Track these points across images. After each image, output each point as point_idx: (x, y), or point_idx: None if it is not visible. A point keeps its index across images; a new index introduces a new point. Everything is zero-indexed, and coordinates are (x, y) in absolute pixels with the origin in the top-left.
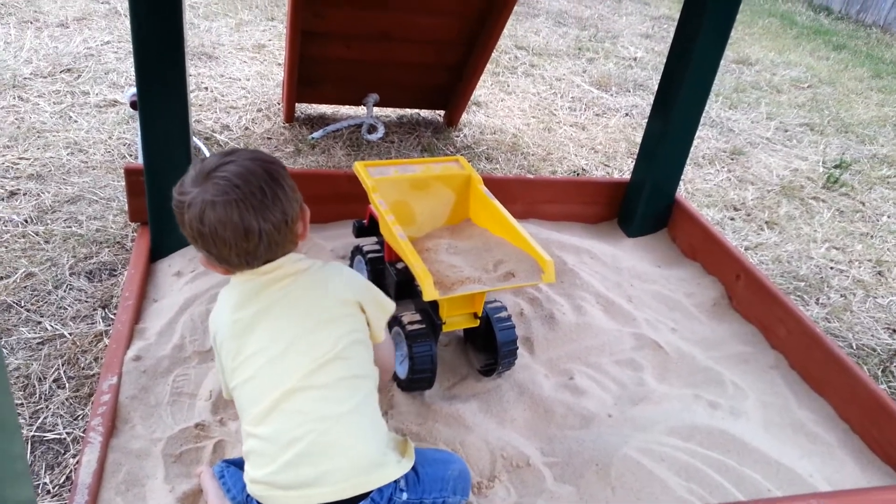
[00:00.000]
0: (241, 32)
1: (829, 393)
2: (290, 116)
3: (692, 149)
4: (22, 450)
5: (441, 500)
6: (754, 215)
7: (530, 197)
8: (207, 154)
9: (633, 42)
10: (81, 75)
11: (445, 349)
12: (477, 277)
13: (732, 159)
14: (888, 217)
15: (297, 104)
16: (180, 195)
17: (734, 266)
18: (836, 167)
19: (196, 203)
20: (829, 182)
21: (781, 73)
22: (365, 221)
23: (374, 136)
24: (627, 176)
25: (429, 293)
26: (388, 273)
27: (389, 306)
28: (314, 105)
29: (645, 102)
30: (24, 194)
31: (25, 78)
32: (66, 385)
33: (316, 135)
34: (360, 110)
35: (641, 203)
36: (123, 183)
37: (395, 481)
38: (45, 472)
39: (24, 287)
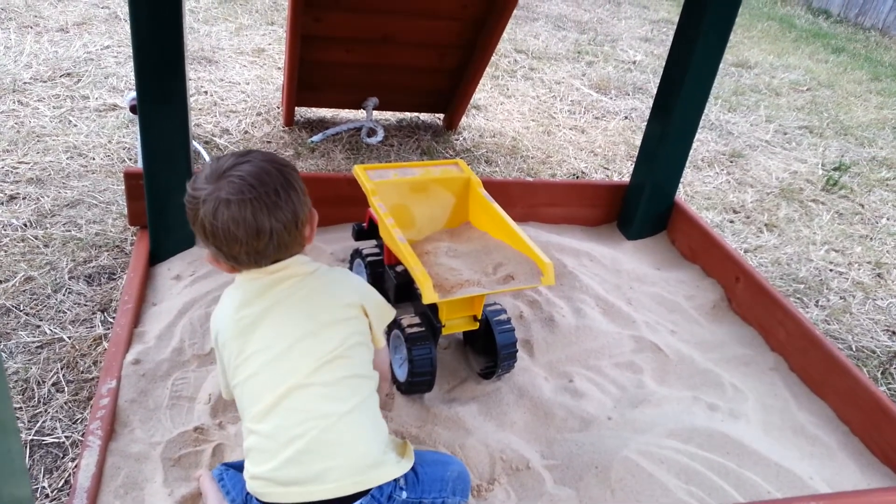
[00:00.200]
0: (241, 36)
1: (829, 395)
2: (289, 120)
3: (691, 151)
4: (19, 447)
5: (440, 501)
6: (754, 218)
7: (530, 200)
8: (207, 158)
9: (633, 45)
10: (81, 80)
11: (445, 352)
12: (476, 280)
13: (732, 162)
14: (887, 219)
15: (296, 108)
16: (194, 192)
17: (734, 268)
18: (835, 170)
19: (210, 200)
20: (829, 184)
21: (780, 76)
22: (364, 225)
23: (373, 140)
24: (627, 179)
25: (428, 296)
26: (388, 276)
27: (390, 312)
28: (314, 109)
29: (644, 105)
30: (24, 198)
31: (25, 82)
32: (65, 389)
33: (315, 138)
34: (360, 114)
35: (641, 206)
36: (123, 187)
37: (395, 480)
38: (43, 476)
39: (24, 291)
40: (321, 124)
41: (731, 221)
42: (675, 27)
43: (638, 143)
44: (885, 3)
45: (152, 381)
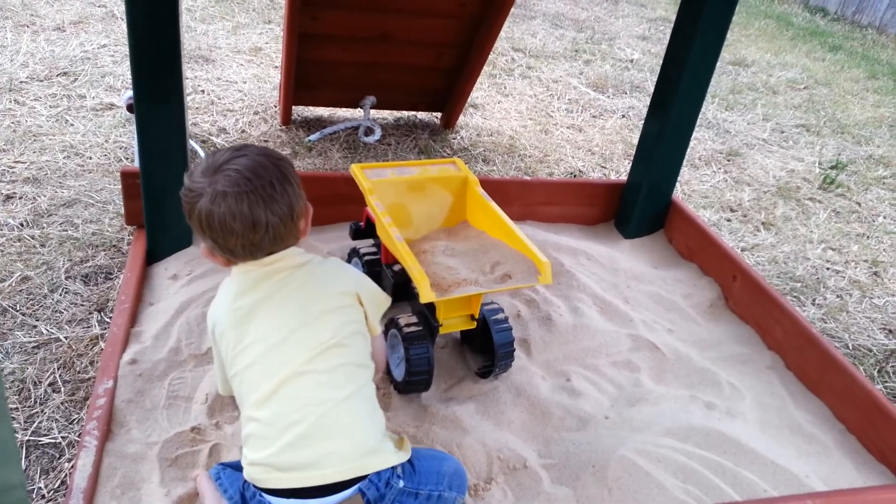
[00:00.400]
0: (238, 35)
1: (826, 393)
2: (286, 119)
3: (689, 150)
4: (11, 433)
5: (437, 494)
6: (751, 216)
7: (527, 199)
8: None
9: (630, 44)
10: (78, 79)
11: (442, 351)
12: (474, 279)
13: (729, 160)
14: (884, 217)
15: (293, 107)
16: (190, 185)
17: (731, 267)
18: (832, 168)
19: (207, 193)
20: (826, 183)
21: (777, 74)
22: (362, 224)
23: (370, 139)
24: (624, 177)
25: (426, 295)
26: (385, 275)
27: (386, 301)
28: (311, 107)
29: (641, 104)
30: (20, 198)
31: (21, 81)
32: (62, 389)
33: (313, 137)
34: (357, 113)
35: (638, 204)
36: (120, 186)
37: (393, 468)
38: (39, 477)
39: (20, 291)
40: (318, 123)
41: (728, 220)
42: (672, 25)
43: (635, 141)
44: (881, 1)
45: (149, 381)
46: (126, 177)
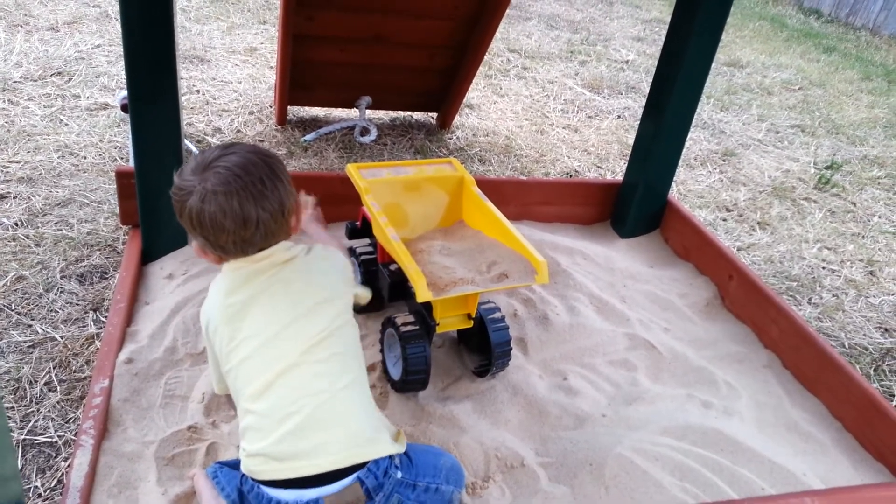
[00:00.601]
0: (233, 36)
1: (822, 392)
2: (282, 119)
3: (684, 150)
4: (4, 423)
5: (434, 486)
6: (746, 216)
7: (523, 198)
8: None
9: (625, 45)
10: (72, 79)
11: (439, 350)
12: (470, 279)
13: (724, 161)
14: (879, 217)
15: (289, 107)
16: (181, 184)
17: (727, 266)
18: (827, 168)
19: (197, 191)
20: (821, 183)
21: (772, 75)
22: (358, 223)
23: (366, 139)
24: (620, 177)
25: (422, 294)
26: (382, 275)
27: (362, 291)
28: (306, 108)
29: (637, 104)
30: (15, 197)
31: (15, 81)
32: (58, 388)
33: (308, 137)
34: (353, 113)
35: (634, 204)
36: (114, 186)
37: (391, 458)
38: (35, 476)
39: (15, 290)
40: (314, 123)
41: (724, 220)
42: (667, 26)
43: (631, 141)
44: (875, 2)
45: (145, 380)
46: (121, 176)
